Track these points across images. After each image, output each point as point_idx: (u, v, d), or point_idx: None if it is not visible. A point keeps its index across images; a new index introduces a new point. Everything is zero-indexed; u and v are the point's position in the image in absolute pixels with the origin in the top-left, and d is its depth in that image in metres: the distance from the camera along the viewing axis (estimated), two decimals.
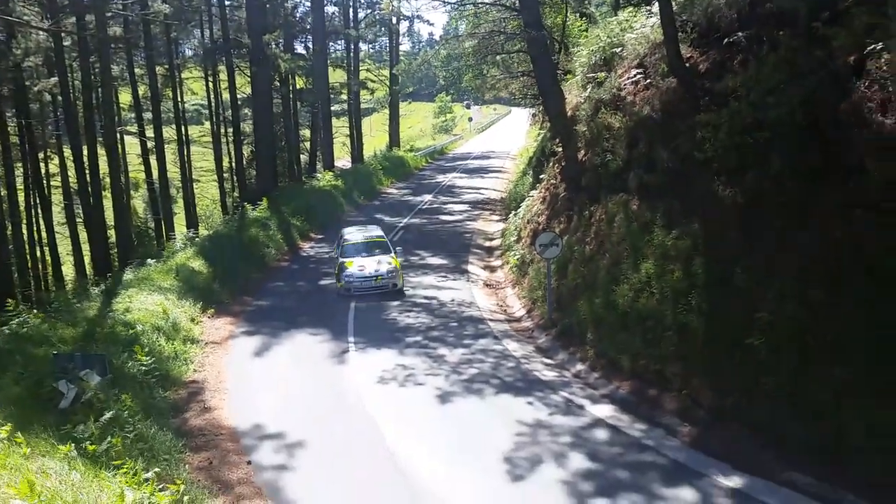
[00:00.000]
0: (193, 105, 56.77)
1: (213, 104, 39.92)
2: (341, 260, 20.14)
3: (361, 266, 19.51)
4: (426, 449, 11.31)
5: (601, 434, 11.39)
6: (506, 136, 63.70)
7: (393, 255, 20.12)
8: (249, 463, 11.15)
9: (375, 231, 22.04)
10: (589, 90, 18.50)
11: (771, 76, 12.23)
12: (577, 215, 17.13)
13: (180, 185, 37.85)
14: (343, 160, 47.18)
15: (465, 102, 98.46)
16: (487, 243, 25.08)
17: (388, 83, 49.16)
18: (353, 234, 21.58)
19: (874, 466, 9.06)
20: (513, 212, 24.69)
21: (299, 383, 14.13)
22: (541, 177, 22.79)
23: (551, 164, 21.61)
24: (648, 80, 15.60)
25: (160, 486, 8.86)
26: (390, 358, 14.99)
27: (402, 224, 28.82)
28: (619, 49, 17.95)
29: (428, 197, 35.41)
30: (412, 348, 15.45)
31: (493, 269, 21.92)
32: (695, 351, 11.68)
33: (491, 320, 17.28)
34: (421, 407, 12.73)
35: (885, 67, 10.64)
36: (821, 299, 10.22)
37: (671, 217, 13.31)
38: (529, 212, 21.81)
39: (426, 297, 18.86)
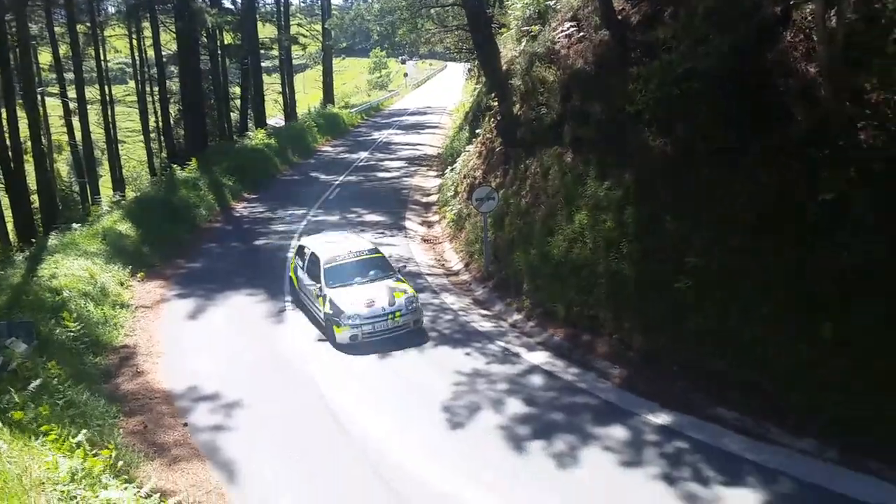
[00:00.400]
0: (117, 64, 54.48)
1: (137, 62, 38.39)
2: (328, 294, 13.75)
3: (369, 300, 13.45)
4: (367, 403, 11.38)
5: (537, 380, 11.66)
6: (442, 91, 63.31)
7: (399, 276, 14.60)
8: (186, 425, 11.04)
9: (362, 243, 15.60)
10: (523, 44, 18.46)
11: (700, 27, 12.41)
12: (512, 169, 17.20)
13: (105, 146, 36.47)
14: (276, 118, 46.17)
15: (401, 58, 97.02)
16: (425, 199, 25.05)
17: (320, 38, 48.04)
18: (331, 250, 14.80)
19: (795, 398, 9.54)
20: (449, 167, 24.66)
21: (235, 344, 13.96)
22: (477, 132, 22.77)
23: (487, 118, 21.59)
24: (582, 34, 15.64)
25: (93, 452, 8.69)
26: None
27: (338, 182, 28.49)
28: (553, 2, 17.91)
29: (364, 154, 35.07)
30: None
31: (430, 225, 21.93)
32: (626, 297, 12.00)
33: (429, 275, 17.35)
34: (360, 362, 12.77)
35: (809, 17, 10.90)
36: (747, 244, 10.59)
37: (604, 168, 13.49)
38: (466, 167, 21.81)
39: None
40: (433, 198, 24.84)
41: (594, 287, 12.66)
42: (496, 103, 20.05)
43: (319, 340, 13.82)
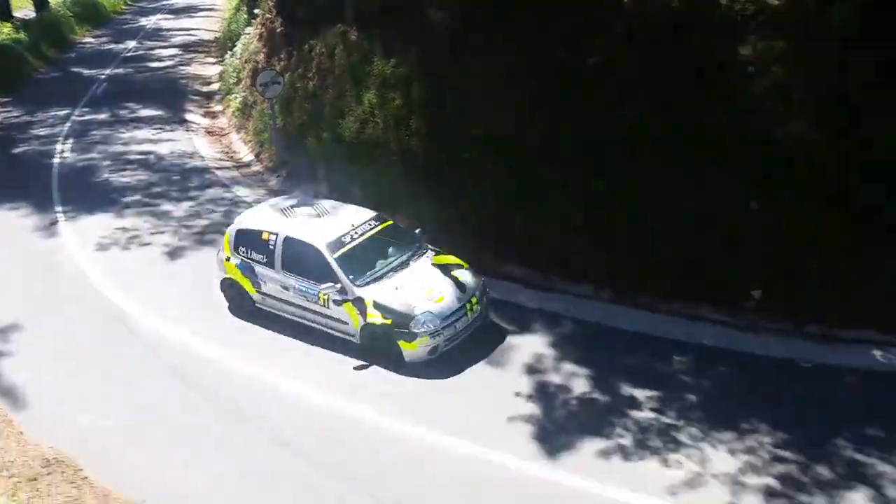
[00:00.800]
0: None
1: None
2: (368, 297, 9.52)
3: (432, 292, 9.60)
4: (159, 306, 11.01)
5: None
6: None
7: (428, 245, 10.61)
8: None
9: (358, 211, 10.81)
10: None
11: None
12: (296, 50, 16.53)
13: None
14: (24, 10, 40.65)
15: None
16: (205, 89, 23.54)
17: None
18: (323, 231, 10.13)
19: (575, 251, 10.52)
20: (229, 52, 23.21)
21: (2, 263, 12.74)
22: (255, 12, 21.46)
23: None
24: None
25: None
26: (108, 222, 13.95)
27: (105, 76, 25.93)
28: None
29: (132, 43, 32.01)
30: (132, 208, 14.46)
31: (214, 116, 20.76)
32: (418, 171, 12.31)
33: (217, 169, 16.58)
34: (149, 267, 12.20)
35: None
36: (524, 111, 11.15)
37: (389, 46, 13.37)
38: (247, 51, 20.63)
39: (142, 153, 17.43)
40: (214, 87, 23.41)
41: (388, 164, 12.80)
42: None
43: (99, 249, 12.93)
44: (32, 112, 21.87)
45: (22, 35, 29.83)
